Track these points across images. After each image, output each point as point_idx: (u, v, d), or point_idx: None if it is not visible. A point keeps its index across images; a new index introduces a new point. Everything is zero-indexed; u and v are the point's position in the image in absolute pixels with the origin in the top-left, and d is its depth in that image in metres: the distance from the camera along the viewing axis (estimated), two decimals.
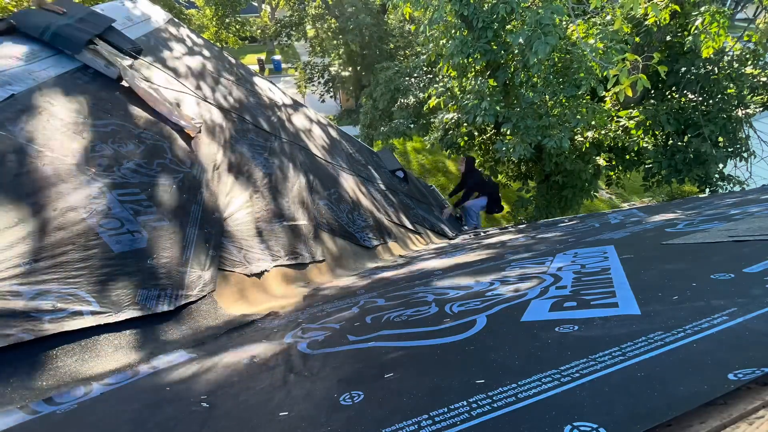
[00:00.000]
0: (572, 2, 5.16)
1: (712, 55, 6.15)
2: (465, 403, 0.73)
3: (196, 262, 2.09)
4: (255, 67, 22.27)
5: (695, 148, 6.68)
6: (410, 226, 4.79)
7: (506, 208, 11.89)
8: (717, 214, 2.37)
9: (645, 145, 7.07)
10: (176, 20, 4.36)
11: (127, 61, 2.84)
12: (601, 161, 7.19)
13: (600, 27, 5.55)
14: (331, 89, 16.64)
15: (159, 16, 4.08)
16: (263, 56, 25.87)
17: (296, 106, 5.28)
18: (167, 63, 3.39)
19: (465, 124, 7.71)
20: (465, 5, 6.05)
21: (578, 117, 6.19)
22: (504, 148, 6.40)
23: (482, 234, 5.11)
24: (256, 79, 4.90)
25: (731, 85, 6.74)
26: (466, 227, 6.60)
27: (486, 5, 6.15)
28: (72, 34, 2.54)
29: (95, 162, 2.07)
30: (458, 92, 7.38)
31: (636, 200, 12.19)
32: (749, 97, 6.82)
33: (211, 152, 2.84)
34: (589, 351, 0.83)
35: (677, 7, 6.39)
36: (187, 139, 2.73)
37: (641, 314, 0.99)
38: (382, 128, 10.74)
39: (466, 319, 1.24)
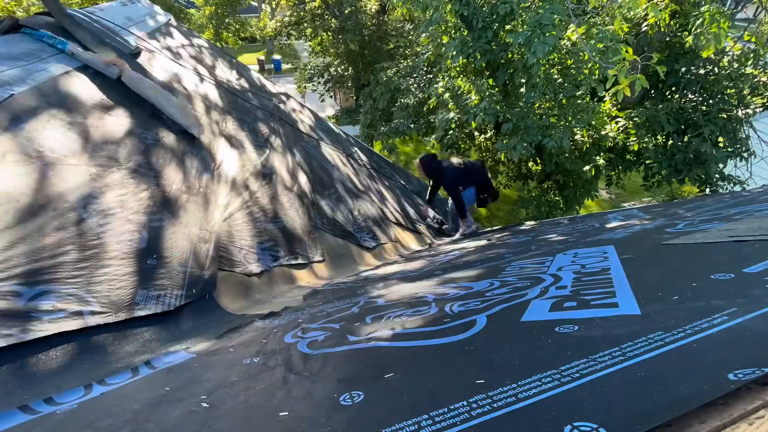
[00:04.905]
0: (572, 2, 5.16)
1: (712, 55, 6.15)
2: (465, 403, 0.73)
3: (196, 262, 2.09)
4: (255, 67, 22.26)
5: (695, 149, 6.68)
6: (410, 227, 4.79)
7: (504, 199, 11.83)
8: (717, 214, 2.37)
9: (645, 145, 7.06)
10: (175, 20, 4.36)
11: (129, 61, 2.84)
12: (601, 161, 7.17)
13: (599, 27, 5.55)
14: (331, 89, 16.65)
15: (158, 15, 4.08)
16: (263, 56, 25.86)
17: (297, 104, 5.27)
18: (167, 61, 3.39)
19: (465, 124, 7.70)
20: (465, 5, 6.05)
21: (578, 117, 6.19)
22: (505, 149, 6.40)
23: (477, 235, 5.07)
24: (255, 76, 4.90)
25: (731, 85, 6.74)
26: (462, 229, 5.09)
27: (486, 5, 6.16)
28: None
29: (95, 162, 2.07)
30: (451, 95, 7.37)
31: (636, 201, 12.20)
32: (749, 97, 6.82)
33: (211, 151, 2.84)
34: (589, 351, 0.83)
35: (677, 7, 6.39)
36: (188, 138, 2.73)
37: (641, 314, 0.99)
38: (382, 128, 10.74)
39: (466, 319, 1.24)
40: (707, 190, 7.20)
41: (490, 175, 5.03)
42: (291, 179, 3.40)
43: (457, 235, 5.06)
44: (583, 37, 5.27)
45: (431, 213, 5.28)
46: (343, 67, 15.43)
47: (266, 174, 3.17)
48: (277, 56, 25.18)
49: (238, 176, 2.87)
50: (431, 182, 5.05)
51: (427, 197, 5.16)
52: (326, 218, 3.41)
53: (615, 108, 7.43)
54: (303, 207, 3.24)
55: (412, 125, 10.43)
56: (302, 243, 2.93)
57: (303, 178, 3.56)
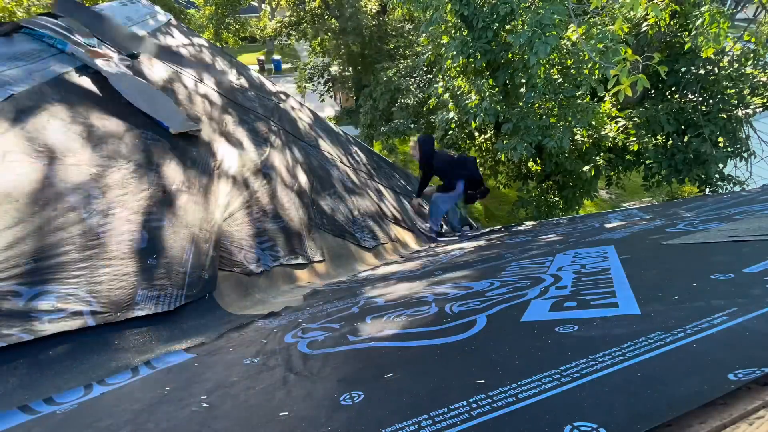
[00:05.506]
0: (572, 2, 5.16)
1: (712, 56, 6.15)
2: (465, 403, 0.73)
3: (196, 262, 2.09)
4: (255, 67, 22.25)
5: (695, 149, 6.68)
6: (409, 226, 4.79)
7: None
8: (717, 214, 2.37)
9: (645, 145, 7.06)
10: (175, 20, 4.36)
11: (126, 62, 2.84)
12: (600, 161, 7.17)
13: (600, 27, 5.56)
14: (331, 89, 16.66)
15: (159, 15, 4.08)
16: (263, 56, 25.88)
17: (296, 103, 5.27)
18: (167, 60, 3.39)
19: (465, 124, 7.71)
20: (465, 5, 6.05)
21: (578, 117, 6.19)
22: (505, 149, 6.40)
23: (469, 235, 5.04)
24: (254, 75, 4.90)
25: (731, 85, 6.74)
26: (426, 226, 5.05)
27: (486, 5, 6.16)
28: None
29: (96, 162, 2.07)
30: (451, 96, 7.37)
31: (636, 200, 12.20)
32: (749, 97, 6.82)
33: (211, 150, 2.83)
34: (589, 351, 0.83)
35: (677, 7, 6.39)
36: (187, 138, 2.73)
37: (641, 314, 0.99)
38: (382, 128, 10.76)
39: (466, 319, 1.24)
40: (707, 190, 7.20)
41: (480, 172, 5.01)
42: (291, 178, 3.41)
43: (413, 206, 5.13)
44: (583, 37, 5.27)
45: (417, 203, 5.29)
46: (343, 67, 15.44)
47: (267, 174, 3.17)
48: (277, 56, 25.19)
49: (238, 175, 2.87)
50: (421, 171, 4.98)
51: (417, 190, 5.17)
52: (326, 218, 3.41)
53: (615, 108, 7.43)
54: (303, 206, 3.24)
55: (412, 125, 10.45)
56: (302, 243, 2.93)
57: (303, 178, 3.56)
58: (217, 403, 1.00)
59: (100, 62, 2.56)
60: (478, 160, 10.51)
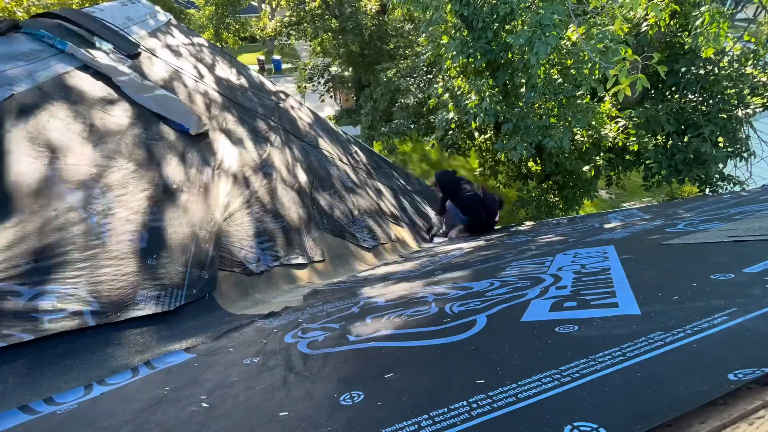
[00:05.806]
0: (572, 2, 5.16)
1: (712, 56, 6.15)
2: (465, 403, 0.73)
3: (196, 262, 2.09)
4: (255, 67, 22.24)
5: (695, 149, 6.68)
6: (408, 226, 4.79)
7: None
8: (717, 214, 2.37)
9: (645, 145, 7.05)
10: (175, 20, 4.36)
11: (127, 63, 2.84)
12: (600, 161, 7.17)
13: (600, 27, 5.55)
14: (331, 89, 16.66)
15: (159, 15, 4.08)
16: (263, 56, 25.87)
17: (295, 102, 5.27)
18: (168, 60, 3.39)
19: (465, 124, 7.71)
20: (465, 5, 6.05)
21: (578, 117, 6.19)
22: (505, 149, 6.40)
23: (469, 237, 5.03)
24: (254, 75, 4.90)
25: (731, 85, 6.74)
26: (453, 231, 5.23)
27: (485, 5, 6.15)
28: None
29: (96, 162, 2.07)
30: (451, 96, 7.37)
31: (636, 201, 12.20)
32: (749, 97, 6.81)
33: (211, 151, 2.83)
34: (589, 351, 0.83)
35: (677, 7, 6.38)
36: (188, 138, 2.73)
37: (641, 314, 0.99)
38: (383, 129, 10.76)
39: (466, 319, 1.24)
40: (707, 190, 7.19)
41: (497, 218, 5.09)
42: (291, 177, 3.40)
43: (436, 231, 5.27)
44: (583, 37, 5.26)
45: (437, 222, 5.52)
46: (343, 67, 15.43)
47: (267, 174, 3.17)
48: (277, 56, 25.16)
49: (238, 176, 2.87)
50: (441, 194, 5.25)
51: (438, 209, 5.47)
52: (326, 218, 3.41)
53: (615, 108, 7.43)
54: (303, 206, 3.24)
55: (412, 125, 10.44)
56: (302, 243, 2.93)
57: (303, 177, 3.56)
58: (217, 403, 1.00)
59: (105, 65, 2.56)
60: (477, 161, 10.52)
